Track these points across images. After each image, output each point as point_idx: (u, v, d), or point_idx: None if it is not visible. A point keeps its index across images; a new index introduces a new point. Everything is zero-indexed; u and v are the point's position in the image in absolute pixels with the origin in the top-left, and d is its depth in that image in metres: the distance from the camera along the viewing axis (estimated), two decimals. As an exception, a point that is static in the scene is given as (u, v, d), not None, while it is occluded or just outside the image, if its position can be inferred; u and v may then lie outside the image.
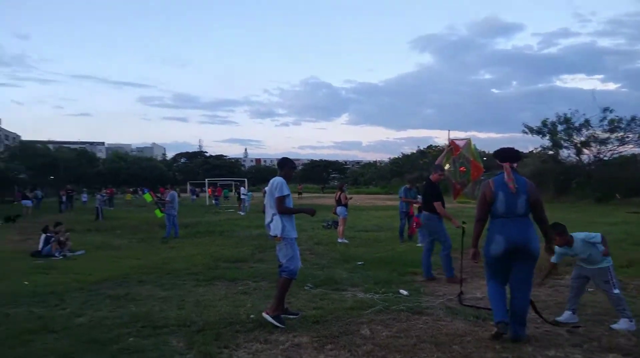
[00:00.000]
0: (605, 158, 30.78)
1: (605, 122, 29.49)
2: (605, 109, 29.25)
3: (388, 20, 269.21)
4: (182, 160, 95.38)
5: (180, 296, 5.70)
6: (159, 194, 17.12)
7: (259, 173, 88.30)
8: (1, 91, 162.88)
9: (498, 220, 3.98)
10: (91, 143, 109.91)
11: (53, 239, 10.15)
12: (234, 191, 39.14)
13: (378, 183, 69.02)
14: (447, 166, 7.28)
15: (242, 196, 26.13)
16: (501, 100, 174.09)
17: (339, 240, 10.90)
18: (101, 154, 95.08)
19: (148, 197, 15.09)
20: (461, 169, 7.51)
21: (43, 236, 10.33)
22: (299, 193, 45.58)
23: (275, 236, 4.59)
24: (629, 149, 30.28)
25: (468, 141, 7.75)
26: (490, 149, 45.01)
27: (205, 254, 9.23)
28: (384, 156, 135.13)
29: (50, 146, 72.58)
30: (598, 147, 30.73)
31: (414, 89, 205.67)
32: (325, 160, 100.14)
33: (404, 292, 5.72)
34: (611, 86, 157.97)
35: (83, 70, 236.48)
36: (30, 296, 5.70)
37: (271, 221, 4.64)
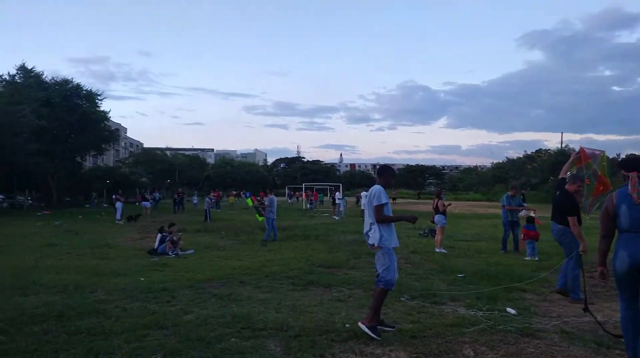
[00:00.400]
0: None
1: None
2: None
3: (492, 17, 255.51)
4: (282, 165, 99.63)
5: (277, 299, 5.84)
6: (259, 198, 17.96)
7: (353, 177, 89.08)
8: (128, 103, 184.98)
9: (623, 235, 3.64)
10: (202, 150, 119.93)
11: (167, 238, 11.06)
12: (329, 195, 39.78)
13: (479, 189, 65.47)
14: (568, 174, 6.62)
15: (336, 201, 26.43)
16: (624, 98, 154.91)
17: (437, 250, 10.45)
18: (210, 160, 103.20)
19: (249, 202, 15.94)
20: (585, 181, 6.76)
21: (159, 235, 11.31)
22: (394, 199, 44.92)
23: (373, 245, 4.50)
24: None
25: (602, 154, 6.99)
26: (611, 152, 40.36)
27: (301, 258, 9.42)
28: (485, 161, 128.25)
29: (168, 153, 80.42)
30: None
31: (520, 89, 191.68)
32: (421, 165, 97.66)
33: (512, 311, 5.26)
34: None
35: (197, 83, 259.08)
36: (146, 292, 6.22)
37: (370, 229, 4.56)
